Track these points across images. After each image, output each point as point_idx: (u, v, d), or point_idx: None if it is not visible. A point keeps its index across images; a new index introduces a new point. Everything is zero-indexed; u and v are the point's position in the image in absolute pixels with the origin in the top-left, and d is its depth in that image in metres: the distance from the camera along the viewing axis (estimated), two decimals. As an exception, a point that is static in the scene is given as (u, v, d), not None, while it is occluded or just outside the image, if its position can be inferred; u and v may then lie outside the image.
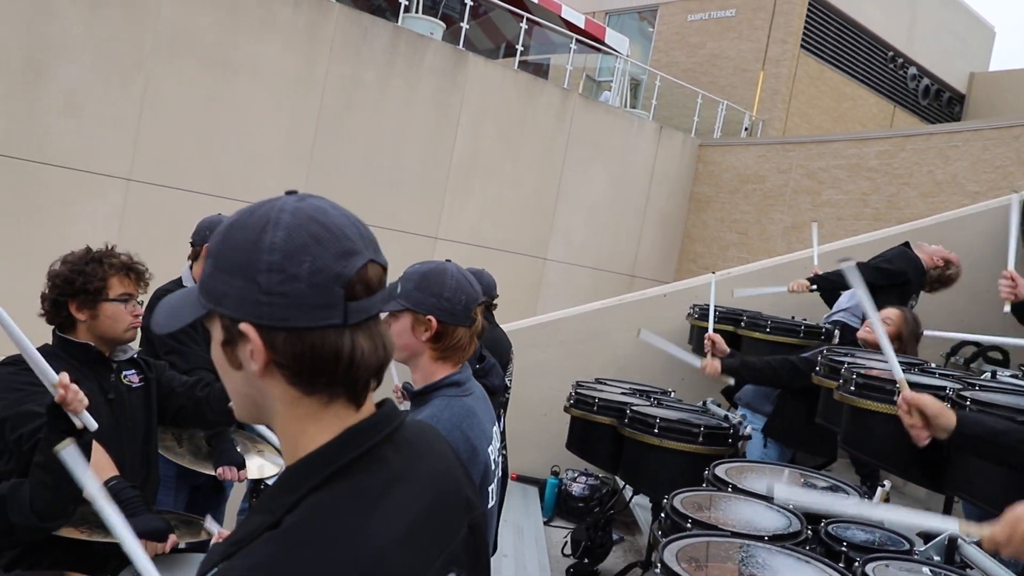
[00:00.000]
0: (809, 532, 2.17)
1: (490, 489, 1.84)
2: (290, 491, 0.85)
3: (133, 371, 2.46)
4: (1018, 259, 3.76)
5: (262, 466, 2.97)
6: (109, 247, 2.37)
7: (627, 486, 4.36)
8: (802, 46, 16.88)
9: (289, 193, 0.91)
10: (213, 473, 2.79)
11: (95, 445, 2.14)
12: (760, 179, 13.83)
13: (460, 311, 1.80)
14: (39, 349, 2.16)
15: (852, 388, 2.96)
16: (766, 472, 2.81)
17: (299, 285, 0.84)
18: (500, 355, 4.05)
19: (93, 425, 1.89)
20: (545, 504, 5.40)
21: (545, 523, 5.18)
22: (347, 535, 0.82)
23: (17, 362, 2.14)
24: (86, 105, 8.58)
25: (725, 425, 3.50)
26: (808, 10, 16.75)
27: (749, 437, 3.54)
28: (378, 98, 10.69)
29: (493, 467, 1.85)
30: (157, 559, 2.01)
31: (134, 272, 2.34)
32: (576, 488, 5.35)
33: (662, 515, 2.26)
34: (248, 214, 0.89)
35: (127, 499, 2.10)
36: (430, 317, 1.77)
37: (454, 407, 1.76)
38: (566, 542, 4.63)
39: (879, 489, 2.68)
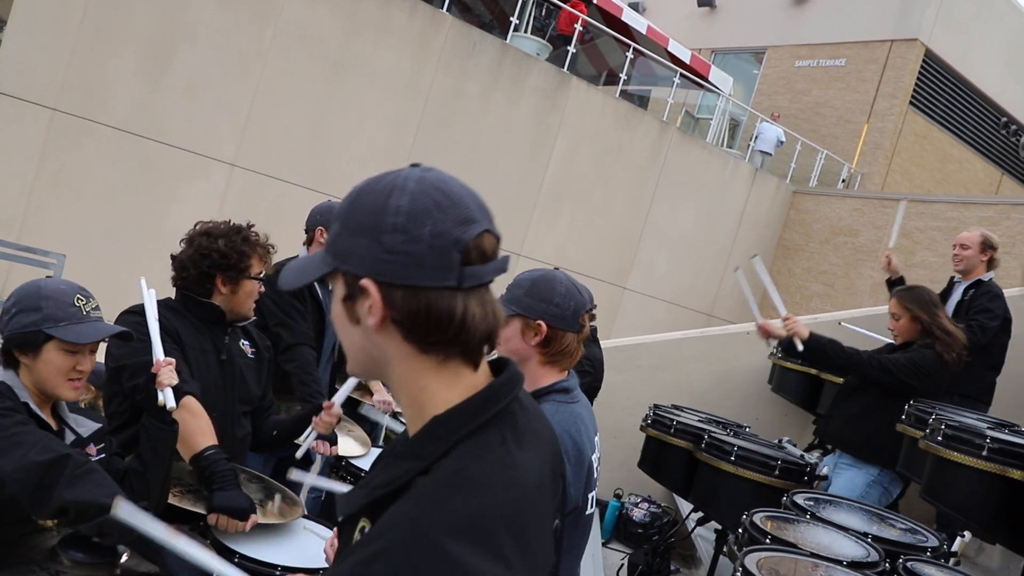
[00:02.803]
0: (887, 565, 2.13)
1: (590, 496, 1.86)
2: (440, 440, 0.91)
3: (247, 342, 2.59)
4: None
5: (352, 446, 3.07)
6: (247, 224, 2.52)
7: (688, 518, 4.32)
8: (911, 102, 16.48)
9: (413, 166, 0.96)
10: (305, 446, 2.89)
11: (199, 410, 2.23)
12: (853, 232, 13.53)
13: (569, 317, 1.83)
14: (162, 301, 2.31)
15: (939, 438, 2.89)
16: (843, 506, 2.76)
17: (420, 246, 0.89)
18: (597, 372, 4.10)
19: (172, 405, 1.98)
20: (604, 526, 5.37)
21: (602, 544, 5.16)
22: (497, 479, 0.88)
23: (144, 312, 2.27)
24: (204, 91, 8.99)
25: (802, 462, 3.45)
26: (922, 67, 16.37)
27: (825, 478, 3.48)
28: (479, 110, 10.89)
29: (595, 475, 1.86)
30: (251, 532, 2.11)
31: (267, 252, 2.49)
32: (637, 514, 5.31)
33: (740, 530, 2.26)
34: (376, 181, 0.95)
35: (220, 471, 2.15)
36: (540, 322, 1.81)
37: (563, 412, 1.79)
38: (623, 565, 4.60)
39: (958, 539, 2.61)
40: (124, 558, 1.87)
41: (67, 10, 8.13)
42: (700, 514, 4.23)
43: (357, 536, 0.96)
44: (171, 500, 2.09)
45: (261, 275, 2.46)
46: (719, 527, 3.81)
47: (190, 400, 2.23)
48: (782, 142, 15.13)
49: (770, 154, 14.96)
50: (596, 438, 1.92)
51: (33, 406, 1.88)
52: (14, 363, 1.91)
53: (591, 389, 4.03)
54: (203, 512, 2.09)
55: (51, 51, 8.14)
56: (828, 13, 17.47)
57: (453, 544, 0.79)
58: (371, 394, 3.71)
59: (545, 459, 1.00)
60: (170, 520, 2.08)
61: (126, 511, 1.37)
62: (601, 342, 6.16)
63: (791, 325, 3.68)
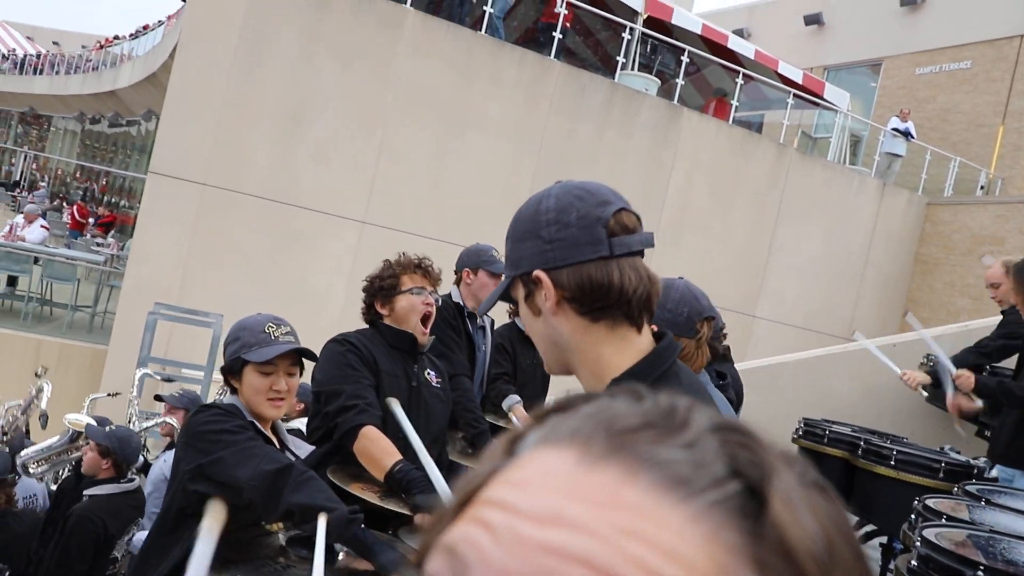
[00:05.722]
0: None
1: None
2: None
3: (434, 372, 2.77)
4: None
5: None
6: (400, 254, 2.72)
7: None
8: (1050, 98, 15.57)
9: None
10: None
11: (376, 435, 2.34)
12: (998, 241, 12.78)
13: (683, 322, 1.89)
14: (365, 333, 2.50)
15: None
16: (1020, 496, 2.64)
17: (572, 230, 1.07)
18: (736, 390, 4.08)
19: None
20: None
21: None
22: None
23: (348, 342, 2.48)
24: (332, 153, 9.56)
25: (968, 463, 3.31)
26: (1057, 61, 15.48)
27: (995, 479, 3.31)
28: (593, 150, 11.05)
29: None
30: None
31: (421, 268, 2.66)
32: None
33: (912, 515, 2.21)
34: (526, 202, 1.16)
35: (415, 478, 2.22)
36: (654, 327, 1.87)
37: None
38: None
39: None
40: (340, 556, 2.04)
41: (209, 93, 8.87)
42: (862, 531, 4.10)
43: None
44: (375, 502, 2.24)
45: (420, 290, 2.62)
46: (883, 542, 3.68)
47: (367, 429, 2.38)
48: (912, 136, 14.54)
49: (900, 155, 14.36)
50: None
51: (258, 424, 2.11)
52: (233, 389, 2.15)
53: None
54: (408, 513, 2.23)
55: (198, 132, 8.88)
56: (946, 16, 16.81)
57: None
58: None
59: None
60: (375, 521, 2.24)
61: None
62: (737, 364, 6.09)
63: (963, 382, 3.43)
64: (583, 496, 0.32)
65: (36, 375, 4.80)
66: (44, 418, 4.42)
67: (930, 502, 2.20)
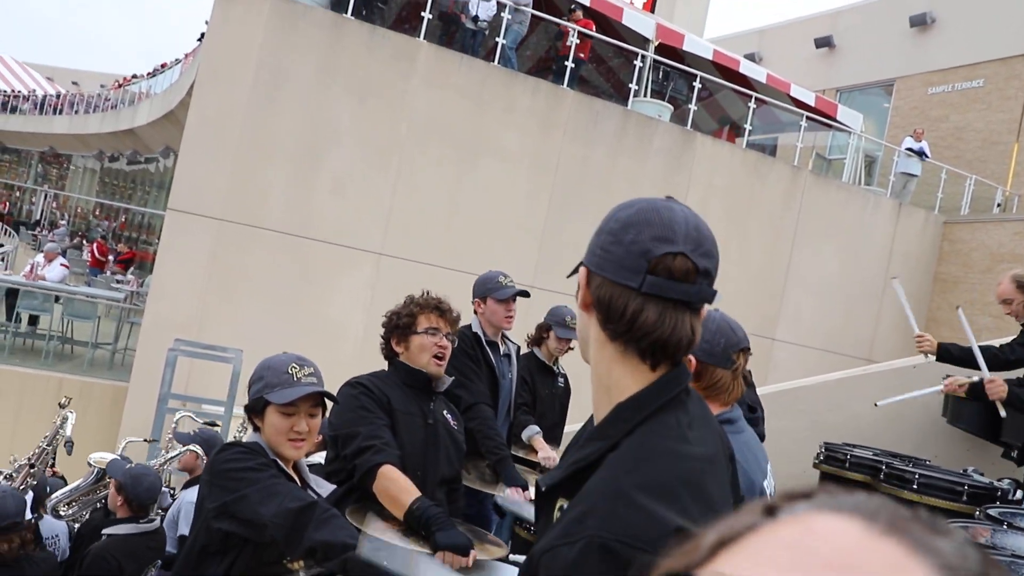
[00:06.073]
0: None
1: None
2: (624, 422, 1.08)
3: (450, 414, 2.79)
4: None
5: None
6: (423, 292, 2.76)
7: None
8: (1064, 115, 15.51)
9: (667, 198, 1.17)
10: (500, 494, 3.05)
11: (395, 474, 2.40)
12: (1018, 258, 12.67)
13: (719, 353, 1.89)
14: (378, 375, 2.56)
15: None
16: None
17: (620, 248, 1.09)
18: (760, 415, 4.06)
19: None
20: None
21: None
22: (675, 454, 1.04)
23: (360, 385, 2.55)
24: (349, 186, 9.64)
25: (991, 486, 3.27)
26: (1070, 77, 15.44)
27: (1020, 502, 3.27)
28: (607, 176, 11.09)
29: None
30: (462, 570, 2.24)
31: (438, 310, 2.69)
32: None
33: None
34: (624, 203, 1.17)
35: (433, 515, 2.28)
36: (690, 357, 1.89)
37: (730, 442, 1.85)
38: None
39: None
40: None
41: (227, 129, 9.00)
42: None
43: (556, 514, 1.10)
44: (397, 542, 2.25)
45: (435, 331, 2.65)
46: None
47: (386, 468, 2.41)
48: (927, 156, 14.50)
49: (915, 175, 14.32)
50: (768, 466, 1.94)
51: (280, 463, 2.13)
52: (256, 427, 2.18)
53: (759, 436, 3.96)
54: (429, 552, 2.25)
55: (216, 167, 9.00)
56: (956, 35, 16.83)
57: (643, 497, 0.96)
58: (535, 452, 3.84)
59: (716, 439, 1.16)
60: None
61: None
62: (758, 388, 6.06)
63: (994, 389, 3.36)
64: (871, 560, 0.38)
65: (60, 405, 4.85)
66: (70, 445, 4.45)
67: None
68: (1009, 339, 4.16)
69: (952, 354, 3.50)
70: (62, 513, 4.06)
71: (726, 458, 1.21)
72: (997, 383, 3.36)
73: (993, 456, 5.11)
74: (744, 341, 1.96)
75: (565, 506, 1.07)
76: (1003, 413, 3.32)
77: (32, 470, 4.16)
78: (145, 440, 5.62)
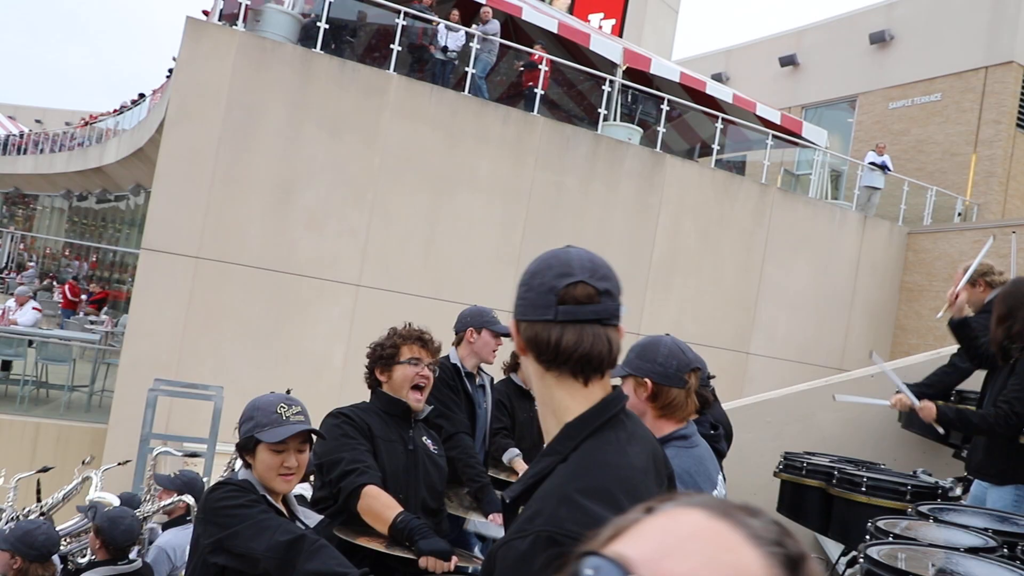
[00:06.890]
0: (1006, 551, 2.19)
1: None
2: (571, 439, 1.26)
3: (430, 440, 2.92)
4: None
5: None
6: (406, 325, 2.90)
7: (838, 563, 4.28)
8: (1018, 125, 15.96)
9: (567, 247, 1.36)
10: (474, 519, 3.19)
11: (377, 492, 2.53)
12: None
13: (672, 374, 2.06)
14: (359, 405, 2.70)
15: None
16: (967, 512, 2.79)
17: (532, 293, 1.29)
18: (726, 430, 4.23)
19: None
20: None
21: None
22: (613, 464, 1.22)
23: (342, 415, 2.68)
24: (324, 220, 9.76)
25: (933, 484, 3.45)
26: (1023, 88, 15.90)
27: (959, 498, 3.45)
28: (580, 201, 11.30)
29: None
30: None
31: (420, 340, 2.83)
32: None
33: (867, 536, 2.35)
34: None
35: (416, 527, 2.42)
36: (646, 379, 2.06)
37: (683, 456, 2.04)
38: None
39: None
40: None
41: (199, 168, 9.08)
42: (848, 556, 4.20)
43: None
44: (382, 549, 2.40)
45: (416, 360, 2.79)
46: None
47: (369, 488, 2.53)
48: (889, 169, 14.88)
49: (879, 188, 14.68)
50: (719, 477, 2.11)
51: (269, 498, 2.25)
52: (247, 464, 2.30)
53: (718, 452, 4.11)
54: (413, 558, 2.39)
55: (190, 206, 9.07)
56: (914, 51, 17.31)
57: (585, 499, 1.14)
58: (516, 473, 3.98)
59: (649, 454, 1.33)
60: (384, 567, 2.41)
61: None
62: (726, 404, 6.22)
63: (925, 415, 3.60)
64: (708, 533, 0.59)
65: (83, 463, 4.80)
66: (93, 512, 4.35)
67: (881, 523, 2.34)
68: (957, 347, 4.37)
69: (948, 416, 3.64)
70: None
71: (661, 474, 1.37)
72: (927, 409, 3.60)
73: (946, 457, 5.32)
74: (695, 362, 2.12)
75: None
76: (940, 431, 3.59)
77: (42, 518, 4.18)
78: (119, 464, 5.63)
